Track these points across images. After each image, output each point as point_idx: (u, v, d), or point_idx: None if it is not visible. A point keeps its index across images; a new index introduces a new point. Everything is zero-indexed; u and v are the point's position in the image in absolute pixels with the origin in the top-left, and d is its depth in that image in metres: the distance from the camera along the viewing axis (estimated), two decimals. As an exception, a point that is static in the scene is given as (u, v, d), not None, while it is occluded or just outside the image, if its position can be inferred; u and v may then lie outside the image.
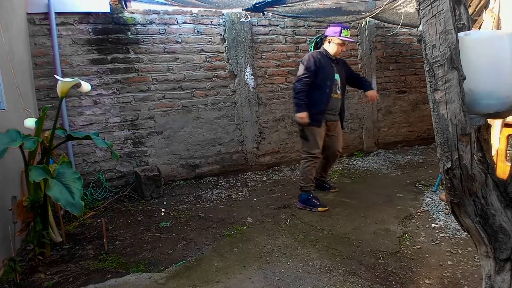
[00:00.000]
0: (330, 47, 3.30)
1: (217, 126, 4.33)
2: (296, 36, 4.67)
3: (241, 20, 4.28)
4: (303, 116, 3.10)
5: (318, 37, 3.48)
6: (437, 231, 2.71)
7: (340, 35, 3.21)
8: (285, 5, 3.98)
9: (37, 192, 2.43)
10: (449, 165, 1.23)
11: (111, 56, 3.78)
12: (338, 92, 3.37)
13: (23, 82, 3.08)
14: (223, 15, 4.21)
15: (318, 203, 3.23)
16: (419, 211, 3.11)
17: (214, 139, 4.33)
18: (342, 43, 3.26)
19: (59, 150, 3.35)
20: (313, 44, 3.51)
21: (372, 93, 3.50)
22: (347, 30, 3.25)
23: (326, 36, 3.31)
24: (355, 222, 2.95)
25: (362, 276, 2.17)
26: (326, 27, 4.76)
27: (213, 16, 4.18)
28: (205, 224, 3.04)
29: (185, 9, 4.03)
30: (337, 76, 3.33)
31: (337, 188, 3.71)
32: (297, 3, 3.93)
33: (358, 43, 5.05)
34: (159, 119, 4.04)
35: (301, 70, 3.23)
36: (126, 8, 3.81)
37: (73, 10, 3.57)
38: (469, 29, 1.26)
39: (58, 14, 3.52)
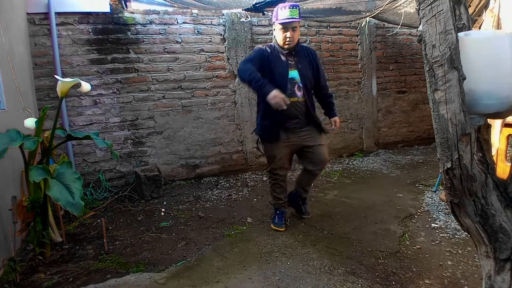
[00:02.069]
0: (276, 36, 2.58)
1: (217, 126, 4.33)
2: (296, 36, 4.66)
3: (241, 20, 4.29)
4: (276, 94, 2.28)
5: None
6: (437, 231, 2.71)
7: (277, 19, 2.49)
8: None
9: (37, 192, 2.43)
10: (449, 165, 1.23)
11: (111, 56, 3.78)
12: (298, 94, 2.60)
13: (23, 82, 3.08)
14: (223, 15, 4.21)
15: (276, 221, 2.84)
16: (419, 211, 3.11)
17: (214, 139, 4.33)
18: (285, 28, 2.50)
19: (59, 150, 3.35)
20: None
21: (337, 120, 2.89)
22: (285, 9, 2.44)
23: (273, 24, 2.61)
24: (355, 222, 2.94)
25: (362, 276, 2.17)
26: (326, 27, 4.82)
27: (213, 16, 4.18)
28: (205, 224, 3.04)
29: (185, 9, 4.03)
30: (294, 74, 2.59)
31: (310, 215, 3.05)
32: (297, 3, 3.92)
33: (358, 43, 5.05)
34: (159, 119, 4.04)
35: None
36: (126, 8, 3.81)
37: (73, 10, 3.57)
38: (469, 29, 1.26)
39: (58, 14, 3.52)
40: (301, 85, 2.61)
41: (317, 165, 2.77)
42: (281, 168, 2.77)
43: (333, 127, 2.92)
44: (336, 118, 2.91)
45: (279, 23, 2.50)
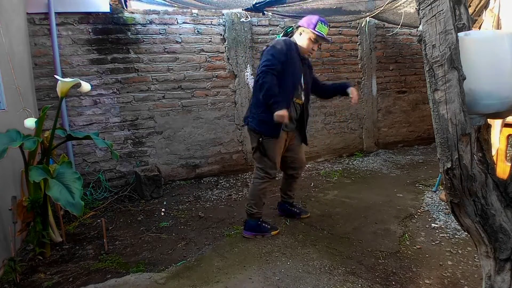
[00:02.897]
0: (301, 40, 2.64)
1: (217, 126, 4.33)
2: (296, 36, 4.67)
3: (241, 20, 4.29)
4: (284, 114, 2.40)
5: (290, 27, 2.82)
6: (437, 231, 2.71)
7: (314, 29, 2.56)
8: (285, 5, 3.98)
9: (37, 192, 2.43)
10: (449, 165, 1.23)
11: (111, 56, 3.78)
12: (302, 97, 2.74)
13: (23, 82, 3.08)
14: (223, 15, 4.21)
15: (269, 227, 2.78)
16: (419, 211, 3.11)
17: (214, 139, 4.33)
18: (316, 40, 2.61)
19: (59, 150, 3.35)
20: (281, 36, 2.84)
21: (354, 90, 2.77)
22: (325, 25, 2.59)
23: (299, 26, 2.65)
24: (355, 222, 2.94)
25: (362, 276, 2.17)
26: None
27: (213, 16, 4.18)
28: (205, 224, 3.04)
29: (185, 9, 4.03)
30: (303, 79, 2.73)
31: (309, 213, 3.08)
32: (297, 3, 3.93)
33: (358, 43, 5.05)
34: (159, 119, 4.04)
35: (265, 57, 2.53)
36: (126, 8, 3.81)
37: (73, 10, 3.57)
38: (469, 29, 1.26)
39: (58, 14, 3.52)
40: (304, 89, 2.75)
41: (296, 170, 2.94)
42: (276, 168, 2.73)
43: (351, 96, 2.76)
44: (353, 89, 2.76)
45: (318, 34, 2.57)
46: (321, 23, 2.57)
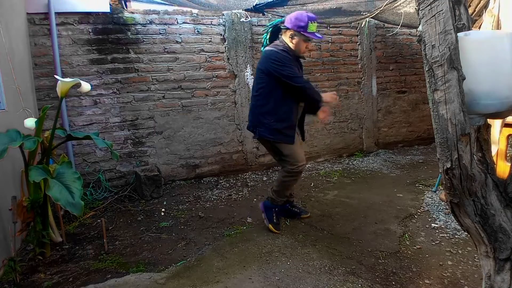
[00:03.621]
0: (293, 44, 2.64)
1: (217, 126, 4.33)
2: (296, 36, 4.66)
3: (241, 20, 4.29)
4: (331, 95, 2.64)
5: (274, 25, 2.75)
6: (437, 231, 2.72)
7: (306, 31, 2.56)
8: (285, 7, 3.99)
9: (37, 192, 2.43)
10: (448, 165, 1.23)
11: (111, 56, 3.78)
12: None
13: (23, 82, 3.08)
14: (223, 15, 4.21)
15: (274, 220, 2.82)
16: (419, 211, 3.11)
17: (214, 139, 4.33)
18: (309, 41, 2.64)
19: (59, 150, 3.35)
20: (268, 36, 2.80)
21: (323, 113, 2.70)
22: (314, 22, 2.57)
23: (287, 28, 2.62)
24: (355, 222, 2.95)
25: (362, 276, 2.17)
26: (326, 27, 4.82)
27: (213, 16, 4.18)
28: (205, 224, 3.04)
29: (185, 9, 4.03)
30: None
31: (309, 213, 3.09)
32: (297, 6, 3.93)
33: (358, 43, 5.05)
34: (159, 119, 4.04)
35: (282, 69, 2.55)
36: (126, 8, 3.81)
37: (73, 10, 3.57)
38: (469, 29, 1.26)
39: (58, 14, 3.52)
40: None
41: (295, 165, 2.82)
42: (301, 161, 2.72)
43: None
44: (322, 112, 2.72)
45: (308, 35, 2.57)
46: (311, 22, 2.55)
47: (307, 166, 4.58)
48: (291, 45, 2.64)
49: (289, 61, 2.59)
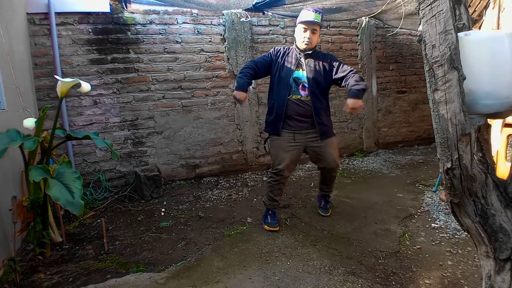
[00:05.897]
0: (295, 36, 2.77)
1: (217, 126, 4.33)
2: (296, 36, 4.66)
3: (241, 20, 4.28)
4: (238, 94, 2.56)
5: None
6: (437, 231, 2.71)
7: (300, 20, 2.69)
8: (285, 6, 3.99)
9: (37, 192, 2.43)
10: (449, 165, 1.23)
11: (111, 56, 3.78)
12: (302, 93, 2.69)
13: (23, 82, 3.08)
14: (223, 15, 4.21)
15: (269, 220, 2.87)
16: (419, 211, 3.11)
17: (214, 139, 4.33)
18: (305, 28, 2.66)
19: (59, 150, 3.36)
20: None
21: (352, 102, 2.51)
22: (317, 13, 2.62)
23: None
24: (355, 222, 2.95)
25: (362, 276, 2.17)
26: (326, 27, 4.82)
27: (213, 16, 4.17)
28: (205, 224, 3.04)
29: (185, 9, 4.03)
30: (301, 74, 2.70)
31: (329, 213, 3.09)
32: (297, 4, 3.93)
33: (358, 43, 5.05)
34: (159, 119, 4.04)
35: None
36: (126, 8, 3.81)
37: (73, 10, 3.57)
38: (469, 29, 1.26)
39: (58, 14, 3.51)
40: (306, 85, 2.71)
41: (326, 164, 2.83)
42: (285, 169, 2.74)
43: (344, 108, 2.78)
44: (350, 101, 2.52)
45: (301, 22, 2.68)
46: (305, 11, 2.67)
47: (307, 166, 4.58)
48: (296, 39, 2.78)
49: (271, 54, 2.79)
